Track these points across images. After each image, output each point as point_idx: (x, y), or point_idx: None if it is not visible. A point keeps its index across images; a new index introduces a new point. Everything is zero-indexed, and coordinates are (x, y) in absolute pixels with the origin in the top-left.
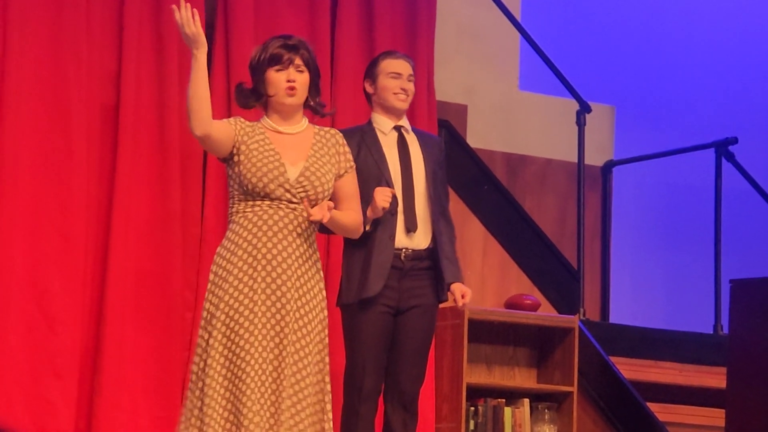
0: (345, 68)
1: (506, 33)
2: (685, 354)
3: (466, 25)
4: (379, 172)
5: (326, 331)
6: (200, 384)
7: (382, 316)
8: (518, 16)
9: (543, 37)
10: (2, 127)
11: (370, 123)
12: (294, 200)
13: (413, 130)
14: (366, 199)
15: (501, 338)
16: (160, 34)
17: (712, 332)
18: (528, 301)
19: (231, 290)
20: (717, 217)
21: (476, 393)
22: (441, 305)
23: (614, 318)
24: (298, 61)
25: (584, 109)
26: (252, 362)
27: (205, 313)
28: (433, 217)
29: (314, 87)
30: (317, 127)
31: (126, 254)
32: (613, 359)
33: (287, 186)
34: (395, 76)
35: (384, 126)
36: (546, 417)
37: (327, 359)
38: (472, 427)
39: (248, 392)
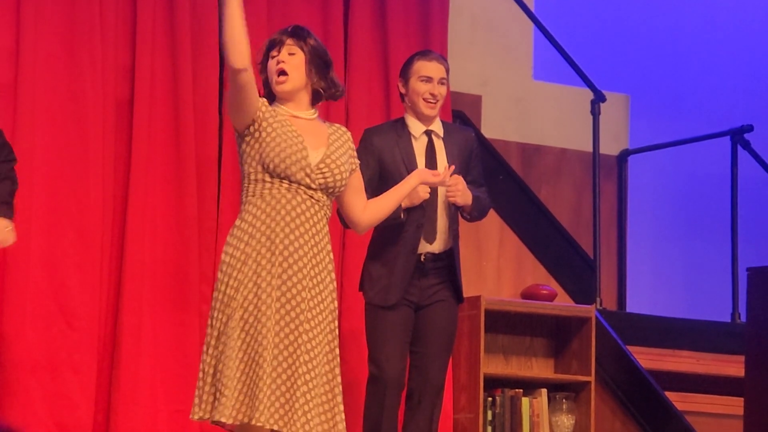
0: (358, 60)
1: (520, 23)
2: (702, 342)
3: (480, 16)
4: (407, 174)
5: (336, 321)
6: (219, 366)
7: (404, 309)
8: (532, 6)
9: (557, 27)
10: (18, 124)
11: (403, 123)
12: (312, 186)
13: (445, 127)
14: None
15: (518, 328)
16: (174, 28)
17: (729, 320)
18: (544, 291)
19: (251, 274)
20: (733, 205)
21: (494, 383)
22: None
23: (631, 307)
24: (289, 41)
25: (599, 98)
26: (269, 347)
27: (221, 296)
28: (451, 222)
29: (318, 73)
30: (329, 122)
31: (142, 249)
32: (631, 348)
33: (308, 170)
34: (426, 79)
35: (415, 130)
36: (564, 407)
37: (337, 350)
38: (489, 417)
39: (264, 377)
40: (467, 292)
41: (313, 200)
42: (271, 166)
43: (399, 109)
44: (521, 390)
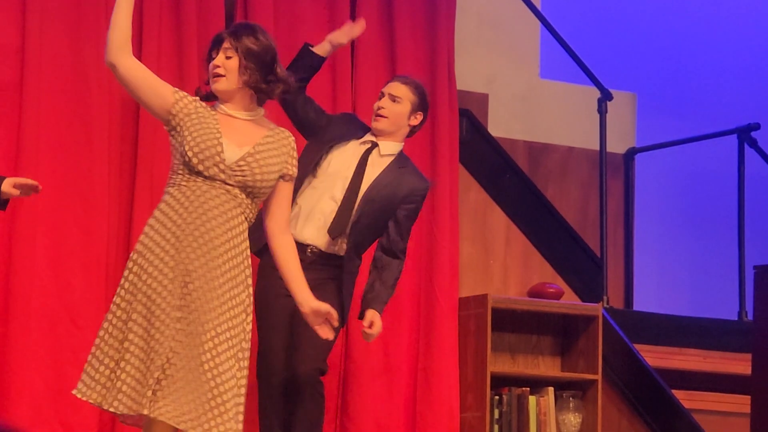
0: (365, 59)
1: (526, 21)
2: (709, 341)
3: (487, 14)
4: (318, 158)
5: (248, 319)
6: (124, 354)
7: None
8: (538, 5)
9: (563, 25)
10: (23, 122)
11: (367, 130)
12: (229, 182)
13: (403, 162)
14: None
15: (524, 327)
16: (180, 28)
17: (736, 318)
18: (551, 290)
19: (156, 262)
20: (740, 203)
21: (500, 382)
22: (462, 296)
23: (638, 305)
24: (226, 44)
25: (605, 96)
26: (163, 340)
27: (126, 283)
28: (351, 236)
29: (256, 72)
30: (275, 125)
31: None
32: (638, 347)
33: (222, 166)
34: (380, 95)
35: (365, 137)
36: (571, 405)
37: (242, 345)
38: (496, 415)
39: (154, 369)
40: (474, 290)
41: (229, 195)
42: (186, 160)
43: None
44: (528, 388)
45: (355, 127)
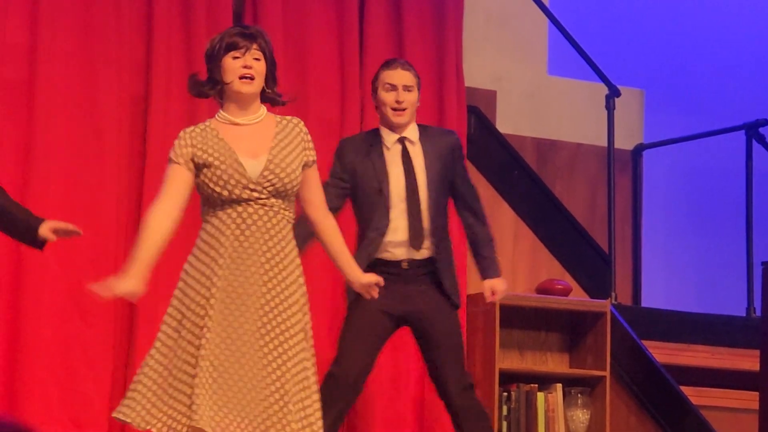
0: (373, 57)
1: (534, 18)
2: (717, 337)
3: (495, 11)
4: (378, 186)
5: (303, 320)
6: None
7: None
8: (546, 1)
9: (571, 22)
10: (33, 121)
11: (377, 133)
12: (261, 197)
13: (423, 130)
14: (362, 207)
15: (533, 323)
16: (189, 25)
17: (744, 315)
18: (559, 286)
19: (197, 298)
20: (748, 199)
21: (509, 378)
22: (470, 293)
23: (646, 302)
24: (255, 48)
25: (613, 93)
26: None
27: (175, 312)
28: (434, 228)
29: (271, 77)
30: (278, 116)
31: None
32: (646, 343)
33: (251, 186)
34: (390, 88)
35: (388, 140)
36: (579, 402)
37: (298, 356)
38: (505, 412)
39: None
40: (483, 287)
41: (265, 208)
42: (215, 195)
43: None
44: (536, 385)
45: (361, 145)
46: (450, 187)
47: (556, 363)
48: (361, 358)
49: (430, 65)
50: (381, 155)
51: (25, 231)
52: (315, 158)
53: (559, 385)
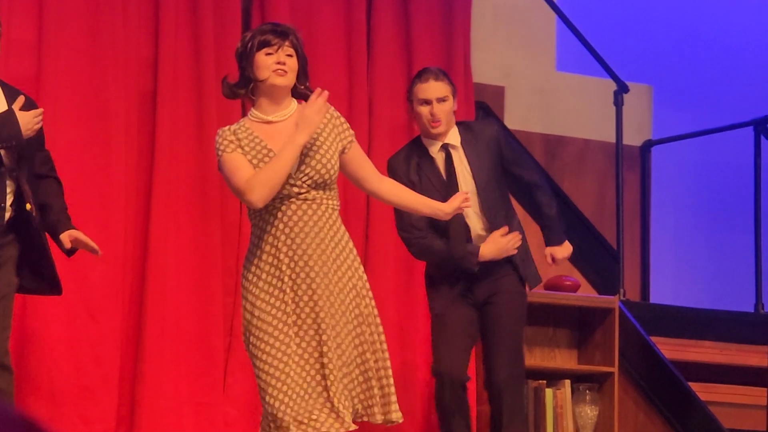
0: (381, 53)
1: (543, 14)
2: (726, 333)
3: (503, 7)
4: (447, 193)
5: (368, 308)
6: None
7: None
8: None
9: (579, 18)
10: None
11: (420, 143)
12: (302, 191)
13: (463, 129)
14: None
15: (541, 319)
16: (197, 20)
17: (753, 311)
18: (568, 282)
19: (263, 296)
20: (757, 195)
21: None
22: None
23: (654, 298)
24: (287, 45)
25: (622, 89)
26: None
27: (249, 315)
28: (492, 220)
29: (303, 73)
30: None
31: (165, 241)
32: (654, 339)
33: (291, 181)
34: (424, 102)
35: (432, 148)
36: (587, 398)
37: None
38: None
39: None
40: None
41: (308, 202)
42: None
43: None
44: (544, 381)
45: (408, 160)
46: (506, 174)
47: (564, 359)
48: (460, 356)
49: (438, 61)
50: (431, 165)
51: (53, 234)
52: (352, 137)
53: (567, 381)
